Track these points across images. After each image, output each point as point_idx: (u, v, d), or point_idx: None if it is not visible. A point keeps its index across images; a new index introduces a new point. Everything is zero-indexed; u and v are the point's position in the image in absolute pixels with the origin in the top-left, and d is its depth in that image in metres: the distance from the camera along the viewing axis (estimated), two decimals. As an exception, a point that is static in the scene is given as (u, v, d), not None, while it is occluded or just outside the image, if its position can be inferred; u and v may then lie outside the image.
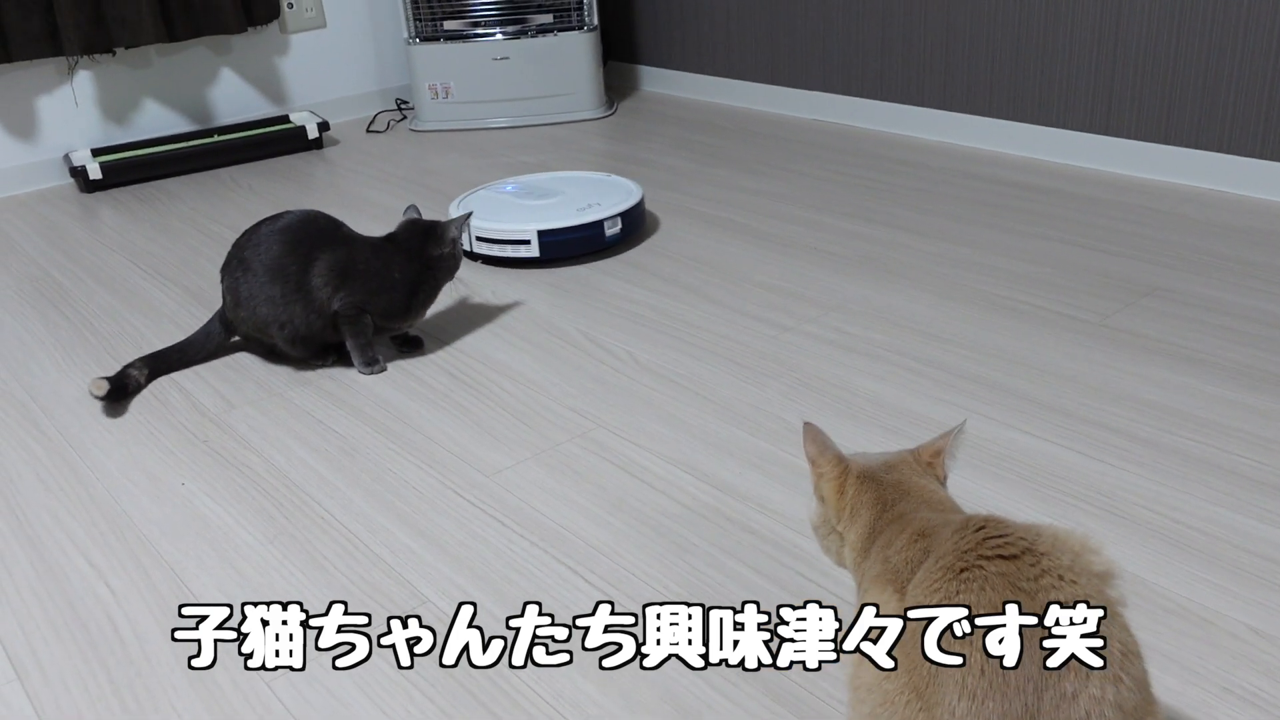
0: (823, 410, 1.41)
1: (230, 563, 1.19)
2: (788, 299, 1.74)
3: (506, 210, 1.99)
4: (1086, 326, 1.57)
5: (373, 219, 2.26)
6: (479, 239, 1.93)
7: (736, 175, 2.37)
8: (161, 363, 1.63)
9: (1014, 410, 1.37)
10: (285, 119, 2.87)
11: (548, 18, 2.84)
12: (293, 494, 1.31)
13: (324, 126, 2.81)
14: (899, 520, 0.83)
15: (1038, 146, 2.31)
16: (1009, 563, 0.72)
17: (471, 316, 1.76)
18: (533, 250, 1.91)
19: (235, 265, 1.58)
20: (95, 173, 2.52)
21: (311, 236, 1.57)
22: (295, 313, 1.55)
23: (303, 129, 2.80)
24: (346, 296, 1.55)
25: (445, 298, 1.80)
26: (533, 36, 2.84)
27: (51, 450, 1.45)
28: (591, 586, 1.11)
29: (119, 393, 1.55)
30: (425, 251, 1.60)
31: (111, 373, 1.57)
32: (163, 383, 1.61)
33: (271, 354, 1.66)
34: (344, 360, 1.62)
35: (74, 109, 2.66)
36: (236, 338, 1.68)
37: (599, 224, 1.93)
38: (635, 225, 2.00)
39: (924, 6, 2.41)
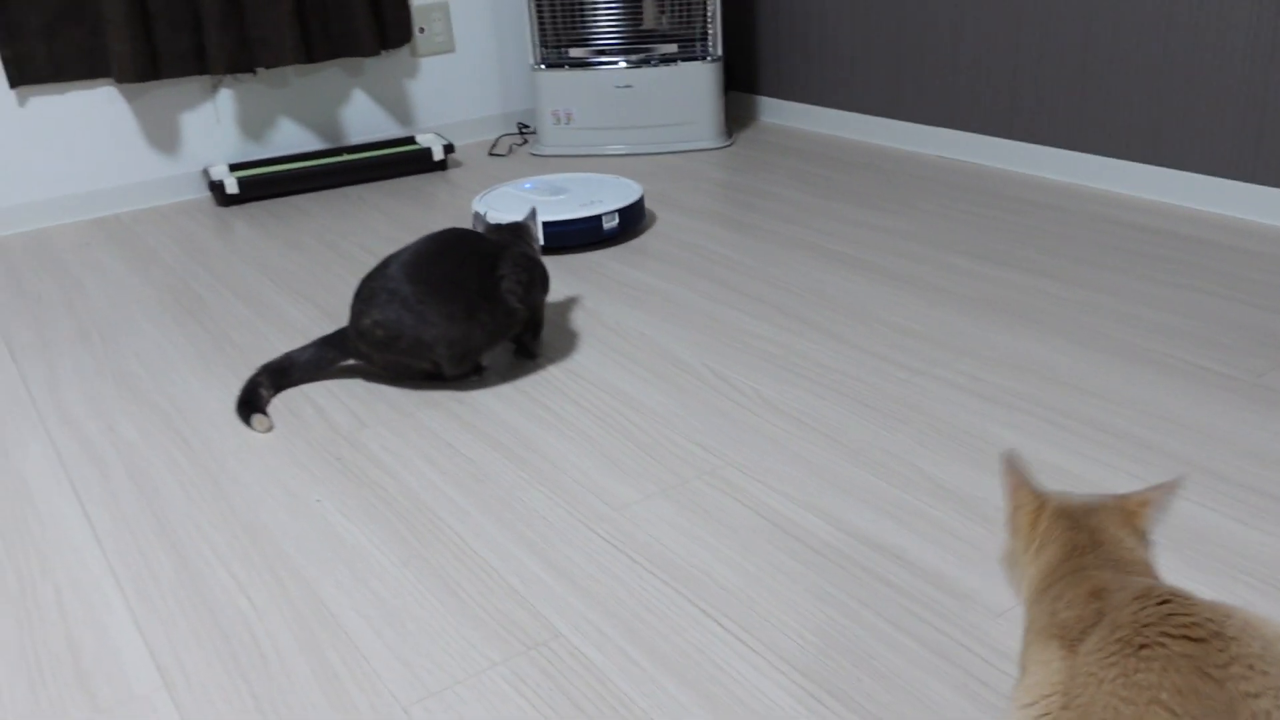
0: (958, 460, 1.37)
1: (365, 583, 1.21)
2: (917, 341, 1.71)
3: (520, 204, 2.25)
4: (1239, 385, 1.51)
5: (496, 242, 2.29)
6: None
7: (859, 210, 2.34)
8: (282, 379, 1.67)
9: (1163, 470, 1.32)
10: (411, 140, 2.94)
11: (672, 48, 2.86)
12: (424, 517, 1.33)
13: (449, 149, 2.87)
14: (1078, 572, 0.80)
15: (1179, 192, 2.23)
16: (1195, 644, 0.68)
17: (593, 345, 1.77)
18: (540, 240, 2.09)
19: (383, 297, 1.58)
20: (232, 187, 2.61)
21: (469, 248, 1.62)
22: (479, 323, 1.59)
23: (429, 151, 2.86)
24: (539, 292, 1.69)
25: (570, 323, 1.82)
26: (655, 66, 2.86)
27: (193, 459, 1.50)
28: (726, 632, 1.10)
29: (252, 406, 1.60)
30: (531, 247, 1.74)
31: (250, 391, 1.61)
32: (296, 398, 1.65)
33: (401, 376, 1.69)
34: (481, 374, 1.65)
35: (215, 125, 2.76)
36: (347, 362, 1.71)
37: (598, 218, 2.19)
38: (633, 221, 2.26)
39: (1058, 45, 2.36)
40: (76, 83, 2.58)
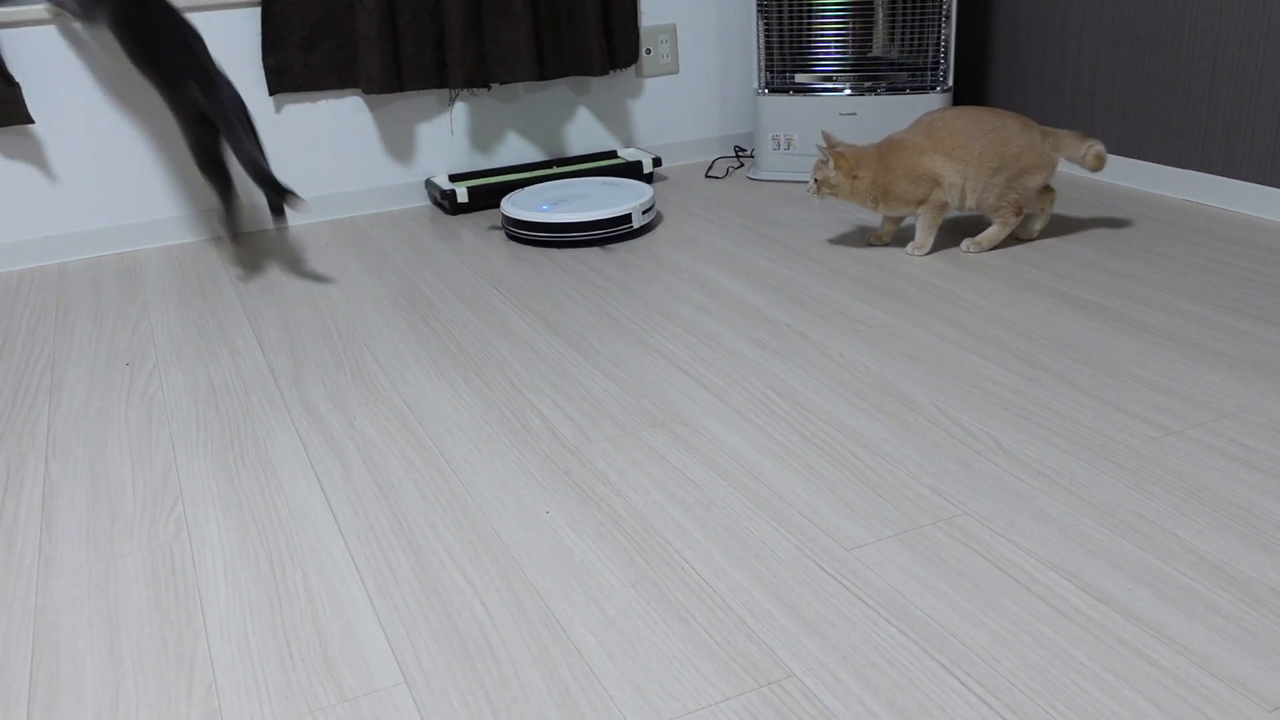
0: (1223, 532, 1.27)
1: (595, 601, 1.21)
2: (1170, 398, 1.59)
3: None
4: None
5: (711, 263, 2.29)
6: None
7: (1097, 254, 2.22)
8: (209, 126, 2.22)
9: None
10: (614, 154, 3.00)
11: (902, 76, 2.80)
12: (652, 539, 1.32)
13: (657, 162, 2.90)
14: None
15: None
16: None
17: (819, 378, 1.74)
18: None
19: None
20: (463, 196, 2.71)
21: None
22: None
23: (639, 164, 2.90)
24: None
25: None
26: (882, 94, 2.80)
27: (427, 460, 1.54)
28: (970, 693, 1.04)
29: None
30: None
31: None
32: (524, 408, 1.69)
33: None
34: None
35: (449, 137, 2.88)
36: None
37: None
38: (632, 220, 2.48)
39: (1339, 87, 2.17)
40: (327, 92, 2.74)
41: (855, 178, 2.19)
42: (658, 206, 2.76)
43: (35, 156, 2.53)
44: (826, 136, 2.21)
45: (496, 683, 1.09)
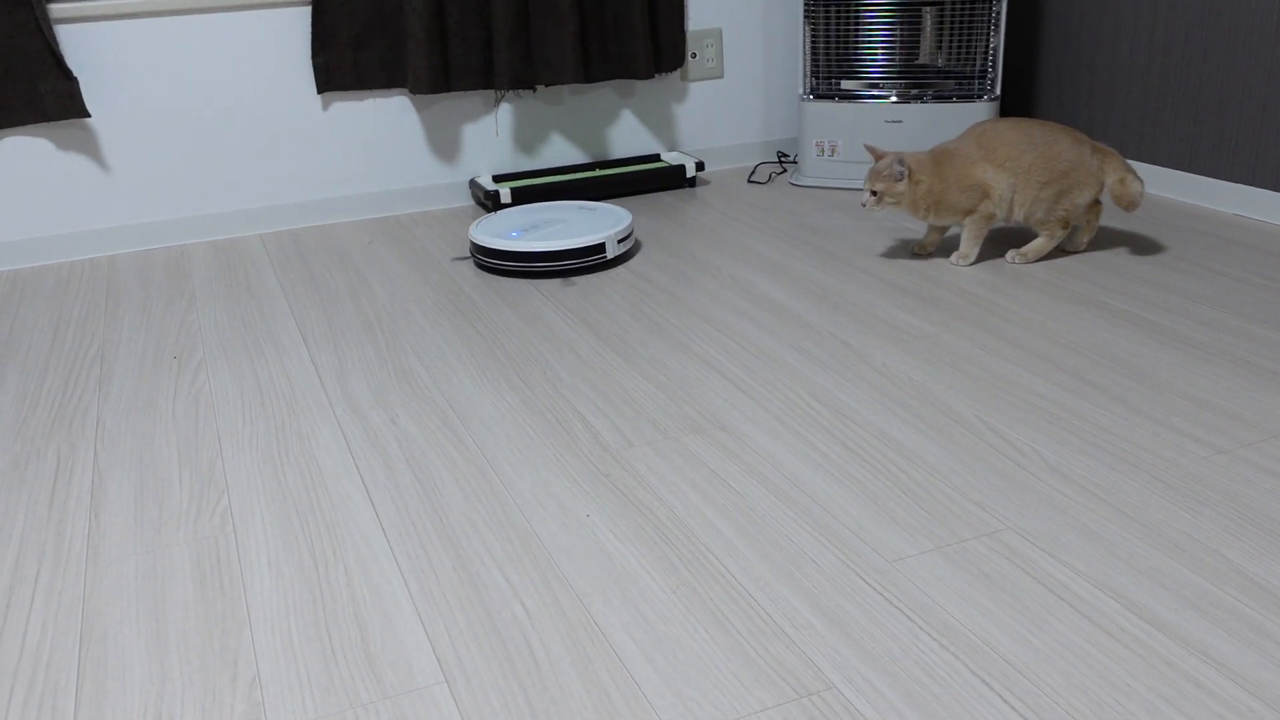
0: (1273, 554, 1.25)
1: (635, 607, 1.21)
2: (1220, 417, 1.57)
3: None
4: None
5: (753, 268, 2.28)
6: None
7: (1146, 268, 2.19)
8: None
9: None
10: (656, 157, 3.00)
11: (949, 84, 2.78)
12: (693, 546, 1.32)
13: (700, 166, 2.90)
14: None
15: None
16: None
17: (862, 387, 1.73)
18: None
19: None
20: (506, 197, 2.73)
21: None
22: None
23: (682, 168, 2.90)
24: None
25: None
26: (928, 102, 2.78)
27: (469, 460, 1.55)
28: (1015, 712, 1.03)
29: None
30: None
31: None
32: (565, 410, 1.69)
33: None
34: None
35: (494, 137, 2.90)
36: None
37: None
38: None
39: (1399, 103, 2.13)
40: (375, 91, 2.77)
41: (917, 183, 2.17)
42: (695, 204, 2.75)
43: (90, 149, 2.57)
44: (871, 149, 2.19)
45: (536, 685, 1.10)
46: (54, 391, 1.86)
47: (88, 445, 1.65)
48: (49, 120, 2.49)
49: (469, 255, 2.47)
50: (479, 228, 2.41)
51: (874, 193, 2.18)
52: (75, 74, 2.49)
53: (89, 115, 2.51)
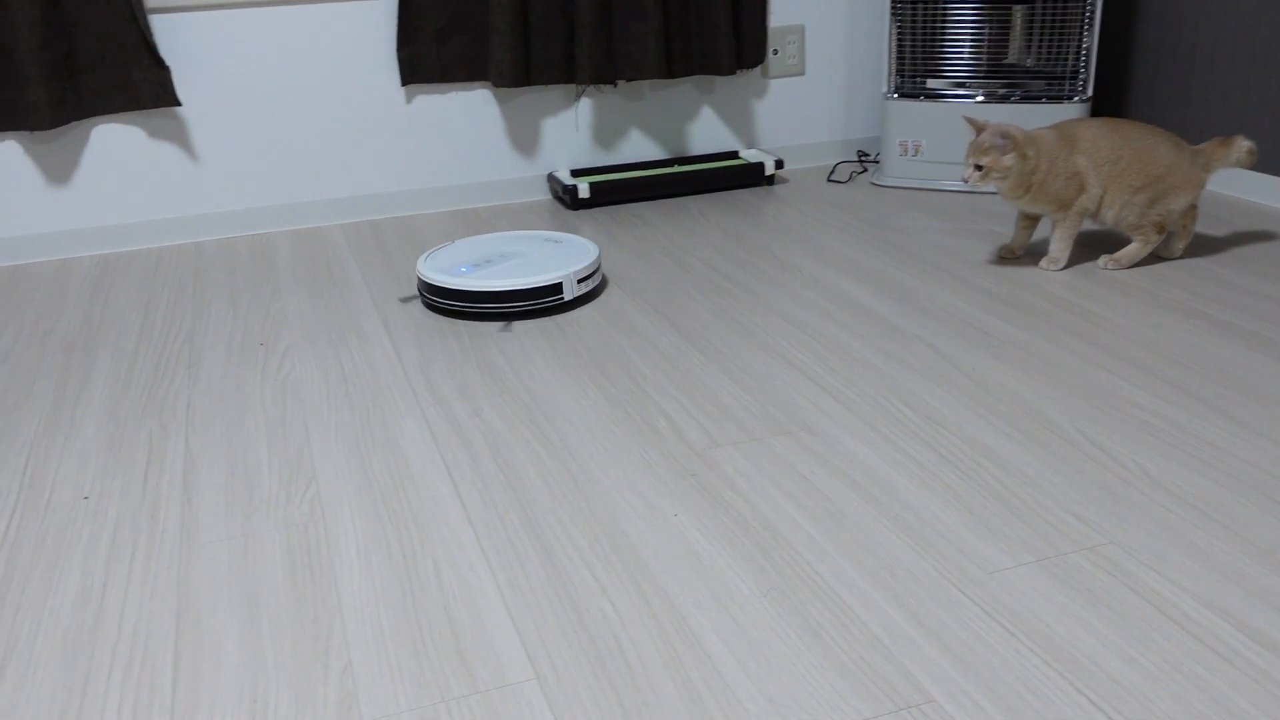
0: (1396, 579, 1.19)
1: (725, 609, 1.19)
2: (1332, 433, 1.51)
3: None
4: None
5: (835, 268, 2.25)
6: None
7: (1245, 276, 2.12)
8: None
9: None
10: (735, 154, 2.97)
11: (1039, 84, 2.71)
12: (781, 548, 1.30)
13: (779, 164, 2.87)
14: None
15: None
16: None
17: (952, 393, 1.69)
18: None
19: None
20: (585, 192, 2.72)
21: None
22: None
23: (760, 165, 2.87)
24: None
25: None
26: (1017, 102, 2.72)
27: (553, 455, 1.55)
28: (1124, 732, 1.00)
29: None
30: None
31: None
32: (649, 407, 1.68)
33: None
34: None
35: (574, 132, 2.89)
36: None
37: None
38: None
39: None
40: (457, 84, 2.78)
41: (1025, 159, 2.08)
42: (774, 202, 2.72)
43: (180, 138, 2.62)
44: (971, 120, 2.12)
45: (628, 685, 1.08)
46: (145, 374, 1.89)
47: (179, 429, 1.68)
48: (141, 108, 2.53)
49: (418, 295, 2.20)
50: (429, 260, 2.15)
51: (979, 167, 2.08)
52: (167, 63, 2.54)
53: (180, 104, 2.55)
